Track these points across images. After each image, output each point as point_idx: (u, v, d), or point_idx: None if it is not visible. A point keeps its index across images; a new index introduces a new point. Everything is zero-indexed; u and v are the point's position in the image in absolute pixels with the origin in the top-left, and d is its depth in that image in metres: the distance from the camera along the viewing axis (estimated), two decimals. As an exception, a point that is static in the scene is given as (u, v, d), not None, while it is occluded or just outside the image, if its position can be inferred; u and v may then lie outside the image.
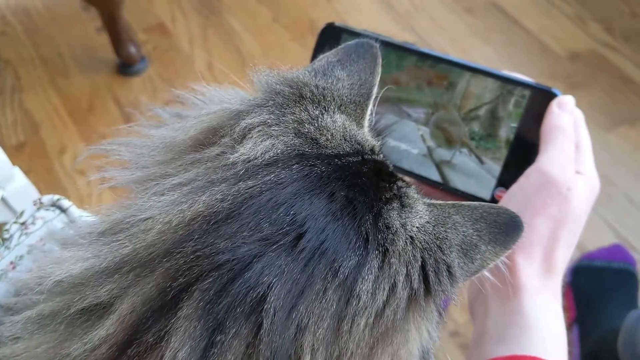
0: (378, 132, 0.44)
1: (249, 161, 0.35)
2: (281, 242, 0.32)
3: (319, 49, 0.57)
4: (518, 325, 0.42)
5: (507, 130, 0.52)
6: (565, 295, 1.17)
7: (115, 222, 0.34)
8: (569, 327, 1.14)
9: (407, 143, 0.55)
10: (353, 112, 0.42)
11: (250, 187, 0.33)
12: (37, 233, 0.64)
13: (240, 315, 0.30)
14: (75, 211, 0.64)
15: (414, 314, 0.35)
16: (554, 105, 0.48)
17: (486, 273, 0.39)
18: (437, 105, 0.54)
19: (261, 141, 0.36)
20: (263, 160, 0.35)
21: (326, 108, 0.40)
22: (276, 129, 0.37)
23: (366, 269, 0.33)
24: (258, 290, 0.30)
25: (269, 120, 0.38)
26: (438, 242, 0.36)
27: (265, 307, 0.30)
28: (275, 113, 0.39)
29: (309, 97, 0.40)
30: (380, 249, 0.34)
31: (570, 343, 1.12)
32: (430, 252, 0.36)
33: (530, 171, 0.46)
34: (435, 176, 0.54)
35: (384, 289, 0.34)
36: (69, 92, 1.58)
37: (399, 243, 0.35)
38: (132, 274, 0.31)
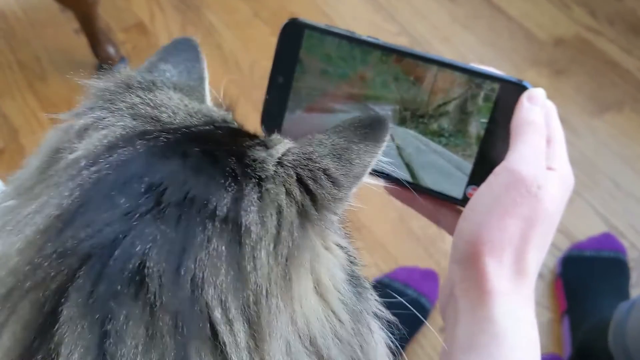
0: (227, 107, 0.44)
1: (89, 153, 0.34)
2: (142, 210, 0.30)
3: (281, 46, 0.55)
4: (488, 332, 0.40)
5: (477, 126, 0.49)
6: (555, 286, 1.16)
7: None
8: (559, 319, 1.12)
9: (375, 142, 0.53)
10: (191, 93, 0.42)
11: (94, 173, 0.32)
12: None
13: (124, 296, 0.28)
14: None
15: (312, 226, 0.34)
16: (523, 98, 0.46)
17: (371, 181, 0.40)
18: (404, 102, 0.51)
19: (96, 133, 0.35)
20: (102, 147, 0.34)
21: (159, 90, 0.40)
22: (110, 119, 0.36)
23: (246, 201, 0.32)
24: (133, 261, 0.29)
25: (101, 115, 0.37)
26: (307, 156, 0.36)
27: (147, 274, 0.29)
28: (106, 107, 0.38)
29: (137, 86, 0.40)
30: (254, 180, 0.33)
31: (561, 334, 1.11)
32: (302, 166, 0.36)
33: (499, 169, 0.43)
34: (405, 175, 0.52)
35: (272, 214, 0.33)
36: (47, 96, 1.55)
37: (269, 168, 0.35)
38: (6, 307, 0.29)
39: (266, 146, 0.37)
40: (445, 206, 0.51)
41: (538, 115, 0.45)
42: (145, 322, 0.28)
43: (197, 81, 0.44)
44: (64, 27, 1.72)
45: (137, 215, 0.30)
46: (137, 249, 0.29)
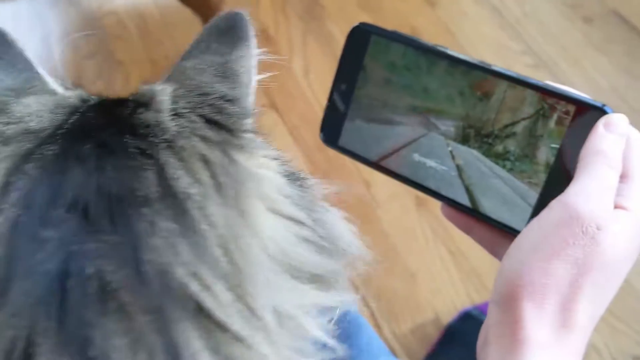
0: (75, 85, 0.41)
1: None
2: (72, 232, 0.29)
3: (347, 52, 0.52)
4: None
5: (547, 152, 0.44)
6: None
7: None
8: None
9: (435, 159, 0.48)
10: (34, 89, 0.38)
11: (5, 221, 0.29)
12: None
13: (96, 317, 0.27)
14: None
15: (239, 154, 0.34)
16: (599, 124, 0.39)
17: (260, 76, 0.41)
18: (468, 118, 0.47)
19: None
20: None
21: (13, 104, 0.36)
22: None
23: (169, 169, 0.31)
24: (91, 283, 0.27)
25: None
26: (198, 92, 0.36)
27: (110, 288, 0.27)
28: None
29: None
30: (162, 145, 0.32)
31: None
32: (200, 105, 0.35)
33: (554, 203, 0.37)
34: (463, 199, 0.47)
35: (200, 167, 0.32)
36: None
37: (169, 127, 0.33)
38: None
39: (145, 105, 0.35)
40: (505, 237, 0.45)
41: (612, 145, 0.38)
42: (124, 330, 0.27)
43: (29, 72, 0.39)
44: (195, 29, 1.79)
45: (71, 239, 0.28)
46: (89, 270, 0.28)
